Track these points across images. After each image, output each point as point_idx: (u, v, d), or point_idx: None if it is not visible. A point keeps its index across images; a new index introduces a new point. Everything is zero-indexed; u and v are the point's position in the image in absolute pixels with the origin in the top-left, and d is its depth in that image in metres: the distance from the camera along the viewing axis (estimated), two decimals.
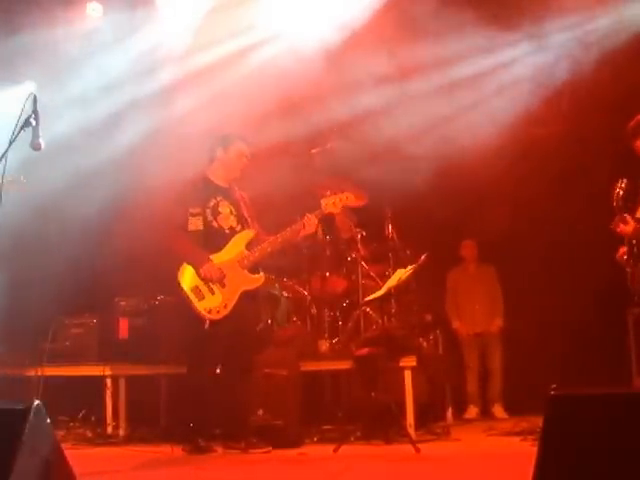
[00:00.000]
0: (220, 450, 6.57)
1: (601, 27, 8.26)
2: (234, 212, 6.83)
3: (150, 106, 8.69)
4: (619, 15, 8.22)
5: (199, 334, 6.54)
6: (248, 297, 6.70)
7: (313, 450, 6.62)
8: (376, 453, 6.43)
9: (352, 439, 6.74)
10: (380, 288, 7.38)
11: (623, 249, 6.36)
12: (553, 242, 9.20)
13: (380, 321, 7.68)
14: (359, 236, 8.41)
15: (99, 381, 7.71)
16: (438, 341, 9.17)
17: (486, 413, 9.47)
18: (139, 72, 8.72)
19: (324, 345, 7.83)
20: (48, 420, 3.91)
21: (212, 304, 6.55)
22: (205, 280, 6.56)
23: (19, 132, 4.71)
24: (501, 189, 9.07)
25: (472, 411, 9.49)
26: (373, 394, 6.91)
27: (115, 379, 7.77)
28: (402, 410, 7.05)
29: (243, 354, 6.75)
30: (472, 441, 7.35)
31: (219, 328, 6.54)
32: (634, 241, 6.28)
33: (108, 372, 7.67)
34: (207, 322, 6.50)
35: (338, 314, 8.25)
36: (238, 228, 6.82)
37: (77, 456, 5.03)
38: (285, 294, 8.21)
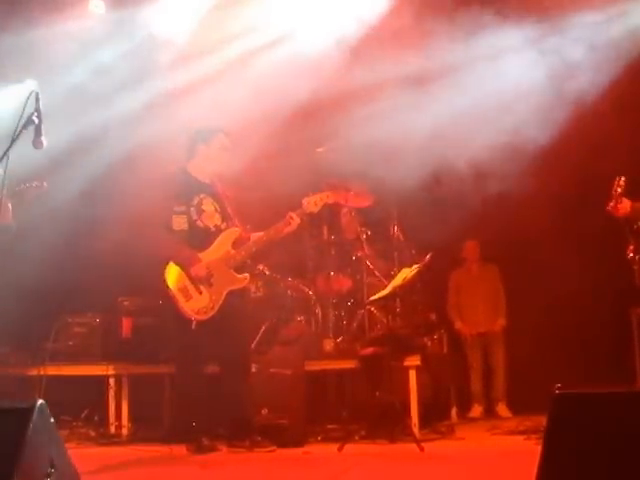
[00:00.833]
0: (224, 449, 6.56)
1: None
2: (218, 209, 6.80)
3: (153, 107, 8.64)
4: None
5: (186, 334, 6.53)
6: (234, 296, 6.67)
7: (317, 449, 6.62)
8: (380, 452, 6.43)
9: (356, 438, 6.74)
10: (385, 287, 7.37)
11: (631, 247, 6.35)
12: (557, 240, 9.17)
13: (385, 320, 7.69)
14: (364, 235, 8.40)
15: (102, 380, 7.71)
16: (443, 340, 9.15)
17: (490, 412, 9.45)
18: (140, 73, 8.68)
19: (329, 344, 7.81)
20: (51, 419, 3.91)
21: (200, 304, 6.54)
22: (195, 280, 6.55)
23: (21, 130, 4.69)
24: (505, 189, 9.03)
25: (476, 410, 9.46)
26: (377, 393, 6.90)
27: (118, 378, 7.77)
28: (406, 409, 7.04)
29: (239, 353, 6.75)
30: (476, 440, 7.34)
31: (207, 328, 6.51)
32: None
33: (111, 371, 7.67)
34: (194, 322, 6.49)
35: (343, 313, 8.22)
36: (223, 226, 6.79)
37: (80, 455, 5.05)
38: (290, 293, 8.21)
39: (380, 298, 7.30)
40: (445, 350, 9.18)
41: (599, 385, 3.84)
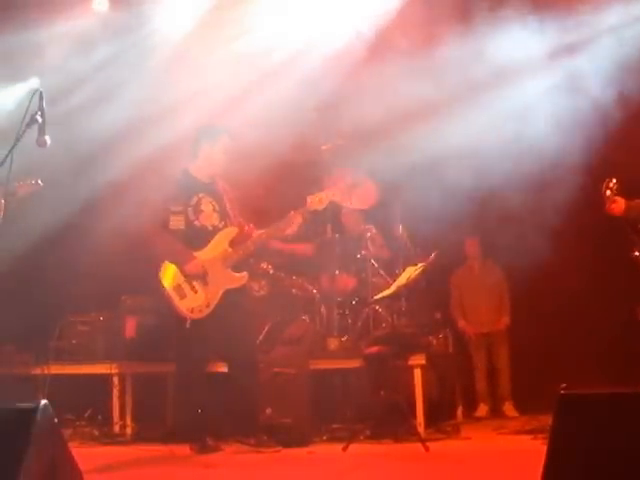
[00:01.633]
0: (228, 449, 6.55)
1: None
2: (217, 209, 6.78)
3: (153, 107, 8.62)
4: None
5: (181, 333, 6.53)
6: (232, 295, 6.65)
7: (322, 449, 6.61)
8: (385, 452, 6.42)
9: (361, 438, 6.72)
10: (390, 286, 7.35)
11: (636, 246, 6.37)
12: (563, 239, 9.13)
13: (390, 319, 7.66)
14: (368, 234, 8.38)
15: (106, 379, 7.70)
16: (448, 339, 9.10)
17: (497, 411, 9.42)
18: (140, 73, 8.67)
19: (333, 343, 7.79)
20: (55, 419, 3.91)
21: (195, 303, 6.53)
22: (190, 277, 6.53)
23: (25, 129, 4.67)
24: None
25: (482, 409, 9.43)
26: (382, 392, 6.88)
27: (122, 377, 7.75)
28: (411, 408, 7.02)
29: (246, 349, 6.73)
30: (482, 439, 7.32)
31: (202, 327, 6.50)
32: None
33: (115, 370, 7.66)
34: (188, 321, 6.47)
35: (347, 312, 8.20)
36: (221, 225, 6.77)
37: (84, 455, 5.02)
38: (294, 292, 8.19)
39: (385, 297, 7.28)
40: (450, 349, 9.14)
41: (605, 385, 3.83)
